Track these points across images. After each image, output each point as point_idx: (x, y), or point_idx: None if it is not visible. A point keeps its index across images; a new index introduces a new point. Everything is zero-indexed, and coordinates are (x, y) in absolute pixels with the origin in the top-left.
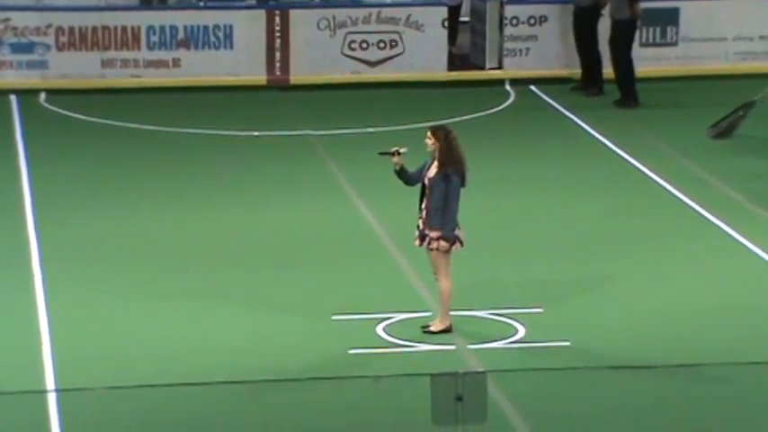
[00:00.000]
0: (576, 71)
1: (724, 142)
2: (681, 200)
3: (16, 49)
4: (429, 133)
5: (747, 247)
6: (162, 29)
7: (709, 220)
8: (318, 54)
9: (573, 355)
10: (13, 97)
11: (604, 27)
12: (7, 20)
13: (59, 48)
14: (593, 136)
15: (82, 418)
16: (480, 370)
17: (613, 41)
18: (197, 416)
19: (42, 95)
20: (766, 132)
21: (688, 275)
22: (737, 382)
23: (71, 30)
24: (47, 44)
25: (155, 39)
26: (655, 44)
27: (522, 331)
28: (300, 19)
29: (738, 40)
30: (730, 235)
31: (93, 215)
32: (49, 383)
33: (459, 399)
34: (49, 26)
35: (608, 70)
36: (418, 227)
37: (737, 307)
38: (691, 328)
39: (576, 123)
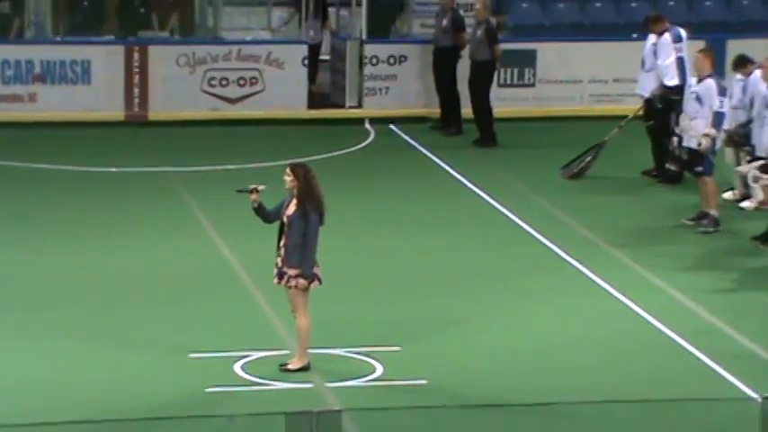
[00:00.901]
0: (435, 110)
1: (577, 182)
2: (536, 238)
3: None
4: (288, 171)
5: (598, 284)
6: (18, 63)
7: (562, 258)
8: (177, 90)
9: (430, 394)
10: None
11: (464, 67)
12: None
13: None
14: (452, 175)
15: None
16: (336, 408)
17: (473, 82)
18: None
19: None
20: (617, 172)
21: (542, 312)
22: (588, 420)
23: None
24: None
25: (10, 73)
26: (513, 85)
27: (379, 369)
28: (159, 55)
29: (593, 82)
30: (582, 272)
31: None
32: None
33: None
34: None
35: (467, 110)
36: (276, 265)
37: (589, 344)
38: (545, 366)
39: (435, 162)
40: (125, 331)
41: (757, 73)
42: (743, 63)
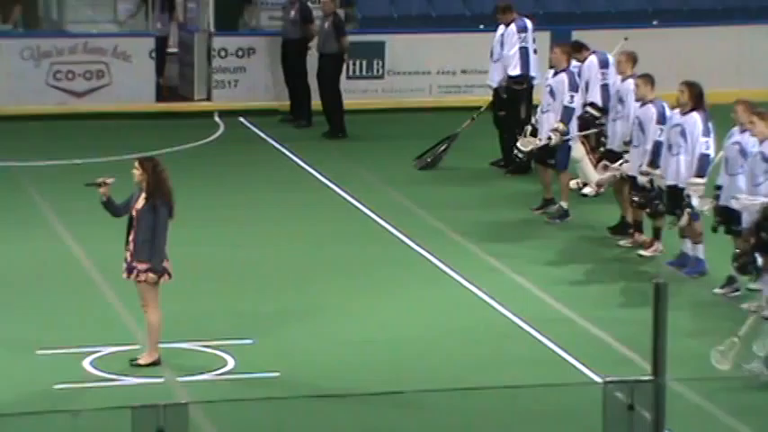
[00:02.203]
0: (284, 103)
1: (429, 173)
2: (386, 229)
3: None
4: (136, 164)
5: (449, 275)
6: None
7: (413, 249)
8: (22, 84)
9: (282, 386)
10: None
11: (313, 59)
12: None
13: None
14: (302, 167)
15: None
16: (183, 401)
17: (321, 74)
18: None
19: None
20: (468, 163)
21: (394, 303)
22: (435, 408)
23: None
24: None
25: None
26: (362, 77)
27: (231, 363)
28: (3, 48)
29: (442, 74)
30: (433, 263)
31: None
32: None
33: (160, 431)
34: None
35: (317, 102)
36: (126, 259)
37: (440, 333)
38: (396, 356)
39: (285, 155)
40: None
41: (592, 59)
42: (578, 49)
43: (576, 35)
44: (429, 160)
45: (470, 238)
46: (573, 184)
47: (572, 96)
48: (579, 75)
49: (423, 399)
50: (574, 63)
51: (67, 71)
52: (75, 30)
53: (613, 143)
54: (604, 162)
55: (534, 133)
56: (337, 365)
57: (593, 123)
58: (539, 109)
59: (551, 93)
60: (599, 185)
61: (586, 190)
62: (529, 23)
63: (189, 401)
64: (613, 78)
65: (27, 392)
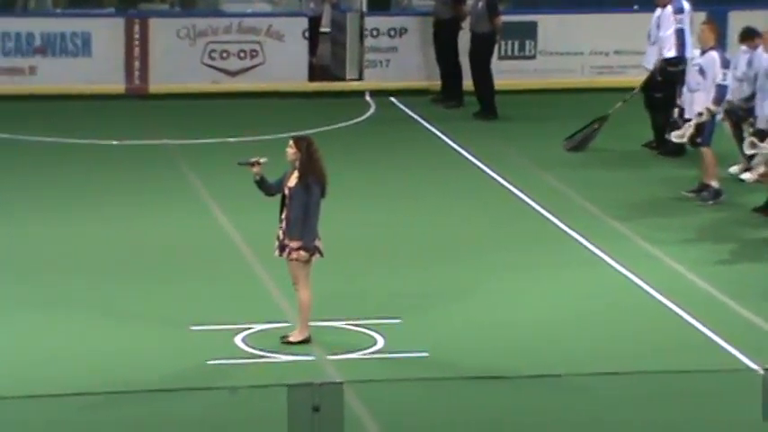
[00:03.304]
0: (435, 83)
1: (579, 154)
2: (537, 211)
3: None
4: (291, 143)
5: (599, 257)
6: (18, 35)
7: (564, 231)
8: (178, 63)
9: (431, 366)
10: None
11: (465, 39)
12: None
13: None
14: (452, 148)
15: None
16: (337, 381)
17: (473, 54)
18: (50, 428)
19: None
20: (619, 145)
21: (544, 286)
22: (591, 393)
23: None
24: None
25: (10, 45)
26: (513, 57)
27: (380, 342)
28: (160, 27)
29: (594, 54)
30: (584, 245)
31: None
32: None
33: (315, 409)
34: None
35: (468, 82)
36: (278, 237)
37: (590, 316)
38: (546, 339)
39: (435, 135)
40: (126, 304)
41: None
42: (750, 36)
43: (734, 16)
44: (578, 141)
45: (621, 220)
46: (734, 169)
47: (724, 74)
48: (750, 63)
49: (577, 382)
50: (743, 48)
51: (222, 50)
52: (231, 9)
53: (761, 122)
54: (751, 139)
55: (681, 114)
56: (486, 346)
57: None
58: (684, 89)
59: (701, 71)
60: (763, 175)
61: (746, 176)
62: (686, 5)
63: (343, 381)
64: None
65: (180, 368)
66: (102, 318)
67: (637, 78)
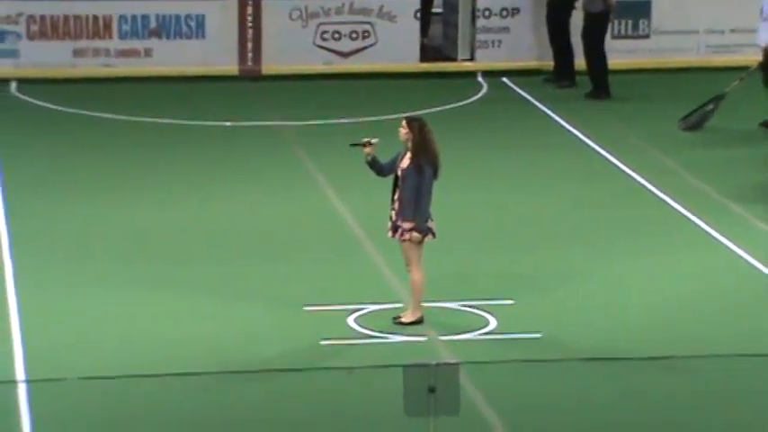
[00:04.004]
0: (548, 63)
1: (694, 134)
2: (651, 191)
3: None
4: (403, 124)
5: (714, 238)
6: (134, 18)
7: (678, 212)
8: (290, 44)
9: (544, 347)
10: None
11: (577, 19)
12: None
13: (31, 37)
14: (564, 128)
15: (52, 408)
16: (453, 361)
17: (586, 33)
18: (168, 406)
19: (13, 85)
20: (736, 125)
21: (658, 267)
22: (707, 374)
23: (42, 18)
24: (18, 33)
25: (126, 28)
26: (627, 36)
27: (493, 323)
28: (273, 9)
29: (710, 33)
30: (699, 226)
31: (63, 205)
32: (19, 374)
33: (431, 390)
34: (20, 15)
35: (580, 62)
36: (391, 218)
37: (705, 297)
38: (660, 321)
39: (548, 115)
40: (240, 284)
41: None
42: None
43: None
44: (694, 121)
45: (737, 201)
46: None
47: None
48: None
49: (692, 364)
50: None
51: (334, 31)
52: None
53: None
54: None
55: None
56: (600, 327)
57: None
58: None
59: None
60: None
61: None
62: None
63: (460, 361)
64: None
65: (295, 347)
66: (217, 298)
67: (753, 57)
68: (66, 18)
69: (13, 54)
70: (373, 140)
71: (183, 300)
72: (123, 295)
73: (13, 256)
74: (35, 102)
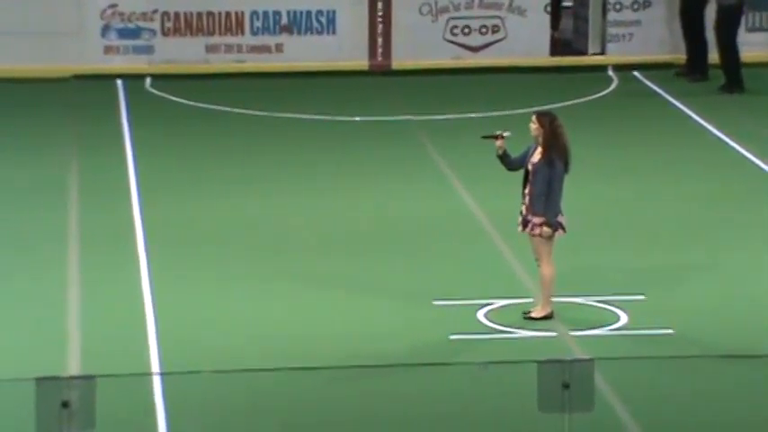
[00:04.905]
0: (680, 56)
1: None
2: None
3: (123, 34)
4: (534, 118)
5: None
6: (265, 14)
7: None
8: (420, 39)
9: (677, 344)
10: (119, 82)
11: (711, 11)
12: (114, 5)
13: (165, 33)
14: (697, 122)
15: (187, 401)
16: (587, 357)
17: (719, 26)
18: (300, 400)
19: (148, 80)
20: None
21: None
22: None
23: (176, 15)
24: (153, 29)
25: (258, 24)
26: (761, 29)
27: (624, 318)
28: (403, 4)
29: None
30: None
31: (197, 199)
32: (154, 366)
33: (566, 386)
34: (155, 11)
35: (713, 55)
36: (521, 212)
37: None
38: None
39: (680, 109)
40: (369, 279)
41: None
42: None
43: None
44: None
45: None
46: None
47: None
48: None
49: None
50: None
51: (464, 26)
52: None
53: None
54: None
55: None
56: (735, 323)
57: None
58: None
59: None
60: None
61: None
62: None
63: (594, 358)
64: None
65: (425, 342)
66: (345, 293)
67: None
68: (199, 14)
69: (147, 50)
70: (505, 133)
71: (313, 294)
72: (255, 289)
73: (147, 251)
74: (169, 97)
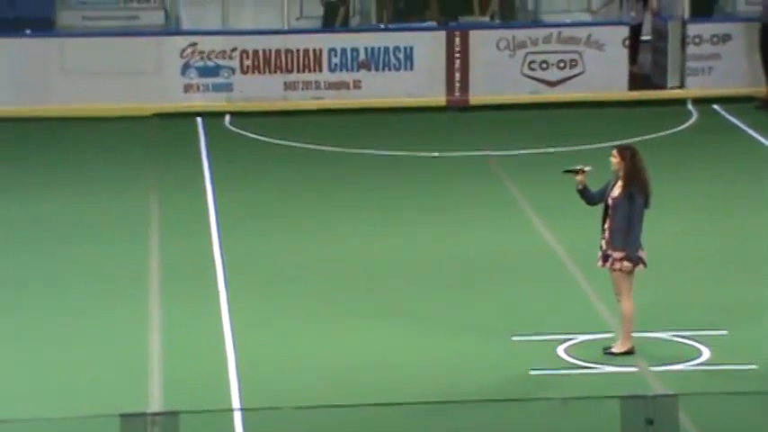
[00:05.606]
0: (760, 89)
1: None
2: None
3: (202, 72)
4: (615, 152)
5: None
6: (343, 51)
7: None
8: (498, 74)
9: (760, 379)
10: (199, 120)
11: None
12: (194, 44)
13: (244, 71)
14: None
15: None
16: (671, 393)
17: None
18: None
19: (227, 118)
20: None
21: None
22: None
23: (255, 53)
24: (232, 67)
25: (336, 60)
26: None
27: (706, 354)
28: (480, 39)
29: None
30: None
31: (276, 235)
32: (235, 402)
33: (649, 422)
34: (234, 50)
35: None
36: (601, 247)
37: None
38: None
39: (760, 143)
40: (449, 314)
41: None
42: None
43: None
44: None
45: None
46: None
47: None
48: None
49: None
50: None
51: (541, 61)
52: (550, 20)
53: None
54: None
55: None
56: None
57: None
58: None
59: None
60: None
61: None
62: None
63: (677, 393)
64: None
65: (505, 378)
66: (424, 328)
67: None
68: (277, 52)
69: (226, 88)
70: (586, 168)
71: (392, 330)
72: (334, 325)
73: (227, 286)
74: (248, 134)
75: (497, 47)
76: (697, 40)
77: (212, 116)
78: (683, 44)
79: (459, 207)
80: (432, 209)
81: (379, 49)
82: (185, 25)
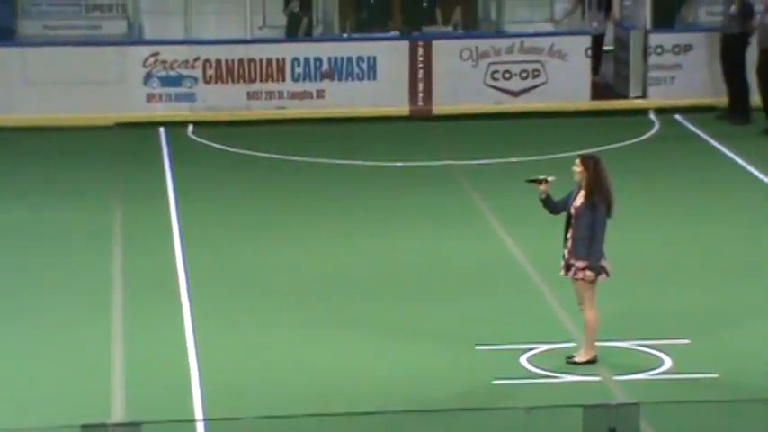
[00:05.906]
0: (722, 99)
1: None
2: None
3: (165, 82)
4: (578, 162)
5: None
6: (307, 60)
7: None
8: (461, 84)
9: (721, 388)
10: (162, 129)
11: (752, 55)
12: (157, 54)
13: (207, 80)
14: (739, 165)
15: None
16: (633, 401)
17: (761, 70)
18: None
19: (190, 128)
20: None
21: None
22: None
23: (218, 62)
24: (195, 77)
25: (299, 70)
26: None
27: (668, 363)
28: (443, 50)
29: None
30: None
31: (239, 245)
32: (198, 413)
33: (612, 431)
34: (197, 59)
35: (755, 98)
36: (563, 256)
37: None
38: None
39: (722, 153)
40: (412, 323)
41: None
42: None
43: None
44: None
45: None
46: None
47: None
48: None
49: None
50: None
51: (504, 71)
52: (513, 30)
53: None
54: None
55: None
56: None
57: None
58: None
59: None
60: None
61: None
62: None
63: (639, 402)
64: None
65: (468, 387)
66: (388, 337)
67: None
68: (240, 62)
69: (189, 98)
70: (549, 178)
71: (355, 339)
72: (297, 334)
73: (189, 297)
74: (211, 144)
75: (460, 57)
76: (659, 50)
77: (175, 126)
78: (645, 54)
79: (423, 216)
80: (395, 219)
81: (343, 58)
82: (148, 35)
